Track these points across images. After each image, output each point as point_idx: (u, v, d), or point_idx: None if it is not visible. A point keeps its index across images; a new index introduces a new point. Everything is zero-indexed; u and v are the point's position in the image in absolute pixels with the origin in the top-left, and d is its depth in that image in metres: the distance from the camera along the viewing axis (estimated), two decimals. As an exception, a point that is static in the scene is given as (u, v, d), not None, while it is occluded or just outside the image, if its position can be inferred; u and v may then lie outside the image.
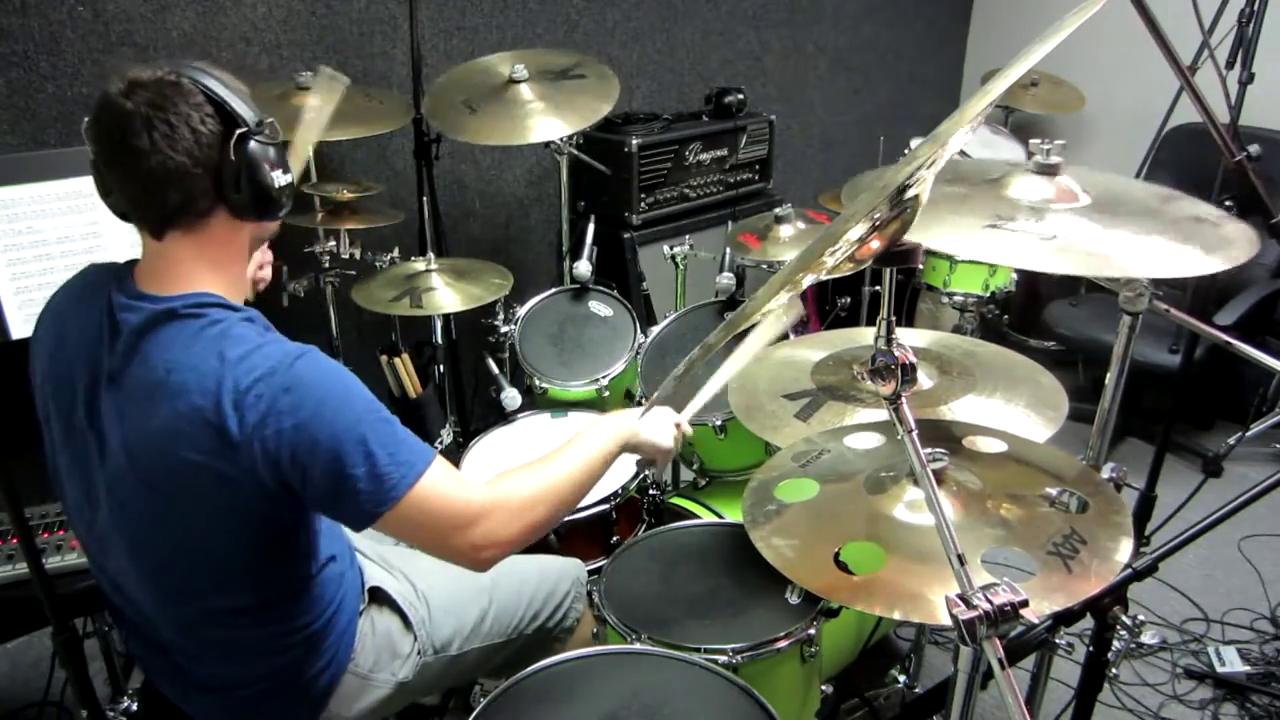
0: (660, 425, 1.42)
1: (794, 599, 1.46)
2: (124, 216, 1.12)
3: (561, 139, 2.51)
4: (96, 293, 1.14)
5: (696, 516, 1.88)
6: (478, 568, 1.17)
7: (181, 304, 1.08)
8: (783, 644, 1.38)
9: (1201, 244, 1.08)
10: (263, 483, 1.05)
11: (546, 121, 2.26)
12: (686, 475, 2.21)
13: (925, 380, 1.52)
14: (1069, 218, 1.15)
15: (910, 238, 0.89)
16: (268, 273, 1.48)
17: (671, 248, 2.61)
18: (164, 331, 1.07)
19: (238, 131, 1.07)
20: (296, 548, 1.18)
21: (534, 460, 1.26)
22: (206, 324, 1.07)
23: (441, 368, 2.54)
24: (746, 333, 1.41)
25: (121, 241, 1.80)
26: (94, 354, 1.11)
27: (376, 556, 1.46)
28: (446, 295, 2.12)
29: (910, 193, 0.83)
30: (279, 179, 1.12)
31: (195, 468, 1.04)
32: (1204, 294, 2.27)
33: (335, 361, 1.10)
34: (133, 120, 1.03)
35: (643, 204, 2.94)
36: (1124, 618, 1.16)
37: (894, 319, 0.96)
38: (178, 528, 1.10)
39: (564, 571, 1.59)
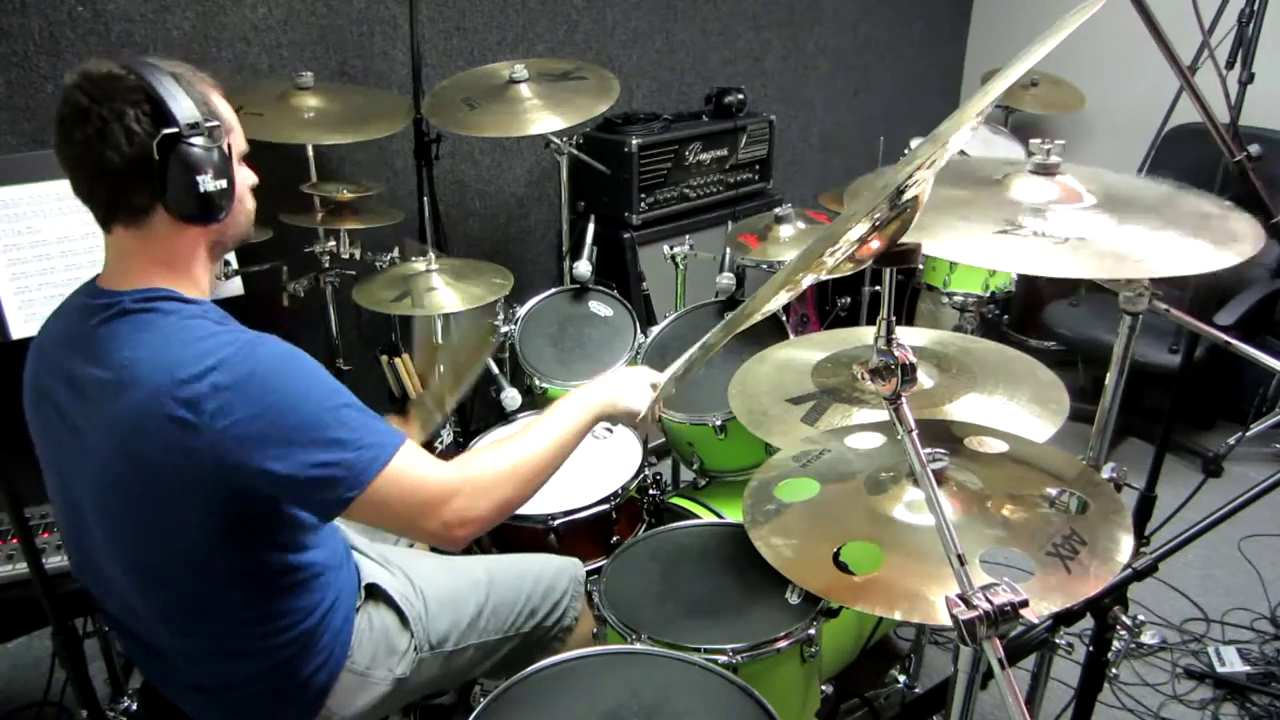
0: (634, 390, 1.41)
1: (794, 599, 1.46)
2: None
3: (562, 139, 2.51)
4: (71, 301, 1.15)
5: (696, 516, 1.88)
6: (452, 546, 1.17)
7: (131, 299, 1.08)
8: (783, 644, 1.38)
9: (1212, 238, 1.07)
10: (226, 474, 1.03)
11: (545, 117, 2.25)
12: (686, 475, 2.21)
13: (925, 380, 1.52)
14: (1076, 217, 1.14)
15: (919, 242, 0.88)
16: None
17: (671, 248, 2.61)
18: (116, 327, 1.06)
19: (164, 132, 1.04)
20: (276, 543, 1.17)
21: (506, 436, 1.25)
22: (158, 317, 1.07)
23: (442, 368, 2.54)
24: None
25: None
26: (64, 359, 1.11)
27: (374, 553, 1.46)
28: (447, 295, 2.12)
29: (910, 193, 0.83)
30: (208, 184, 1.07)
31: (158, 464, 1.03)
32: (1204, 294, 2.27)
33: (295, 347, 1.09)
34: (74, 112, 1.03)
35: (643, 204, 2.93)
36: (1124, 618, 1.16)
37: (894, 319, 0.96)
38: (153, 526, 1.09)
39: (561, 570, 1.58)
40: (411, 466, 1.10)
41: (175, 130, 1.04)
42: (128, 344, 1.05)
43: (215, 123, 1.09)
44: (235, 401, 1.01)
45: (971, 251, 1.10)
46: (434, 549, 1.58)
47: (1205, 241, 1.07)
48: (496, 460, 1.20)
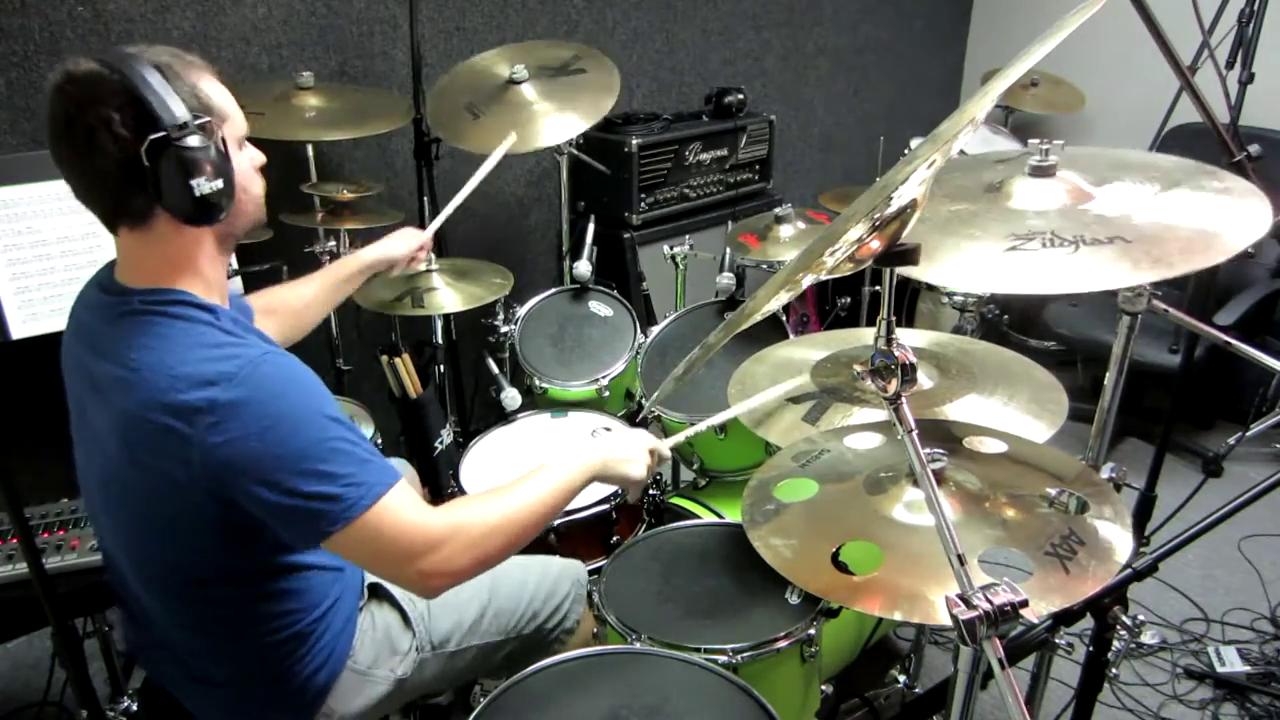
0: (632, 453, 1.37)
1: (794, 599, 1.46)
2: None
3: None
4: (90, 288, 1.15)
5: (696, 516, 1.88)
6: (426, 595, 1.13)
7: (141, 300, 1.06)
8: (783, 644, 1.38)
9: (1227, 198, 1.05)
10: (214, 488, 1.02)
11: (551, 124, 2.25)
12: (686, 475, 2.21)
13: (925, 381, 1.52)
14: (1099, 222, 1.08)
15: (919, 243, 0.88)
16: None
17: (671, 248, 2.61)
18: (125, 325, 1.05)
19: (150, 137, 0.99)
20: (273, 544, 1.15)
21: (497, 488, 1.21)
22: (166, 322, 1.05)
23: (441, 368, 2.54)
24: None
25: (121, 241, 1.80)
26: (84, 349, 1.12)
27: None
28: (447, 295, 2.11)
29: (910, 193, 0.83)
30: (204, 186, 1.03)
31: (152, 466, 1.02)
32: (1204, 294, 2.27)
33: (302, 367, 1.07)
34: (62, 119, 1.00)
35: (643, 204, 2.93)
36: (1124, 618, 1.16)
37: (894, 319, 0.96)
38: (151, 522, 1.10)
39: (564, 572, 1.58)
40: (399, 510, 1.07)
41: (163, 134, 1.00)
42: (135, 345, 1.04)
43: (206, 118, 1.04)
44: (230, 421, 0.99)
45: (979, 275, 1.04)
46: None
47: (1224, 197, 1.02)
48: (485, 515, 1.16)
